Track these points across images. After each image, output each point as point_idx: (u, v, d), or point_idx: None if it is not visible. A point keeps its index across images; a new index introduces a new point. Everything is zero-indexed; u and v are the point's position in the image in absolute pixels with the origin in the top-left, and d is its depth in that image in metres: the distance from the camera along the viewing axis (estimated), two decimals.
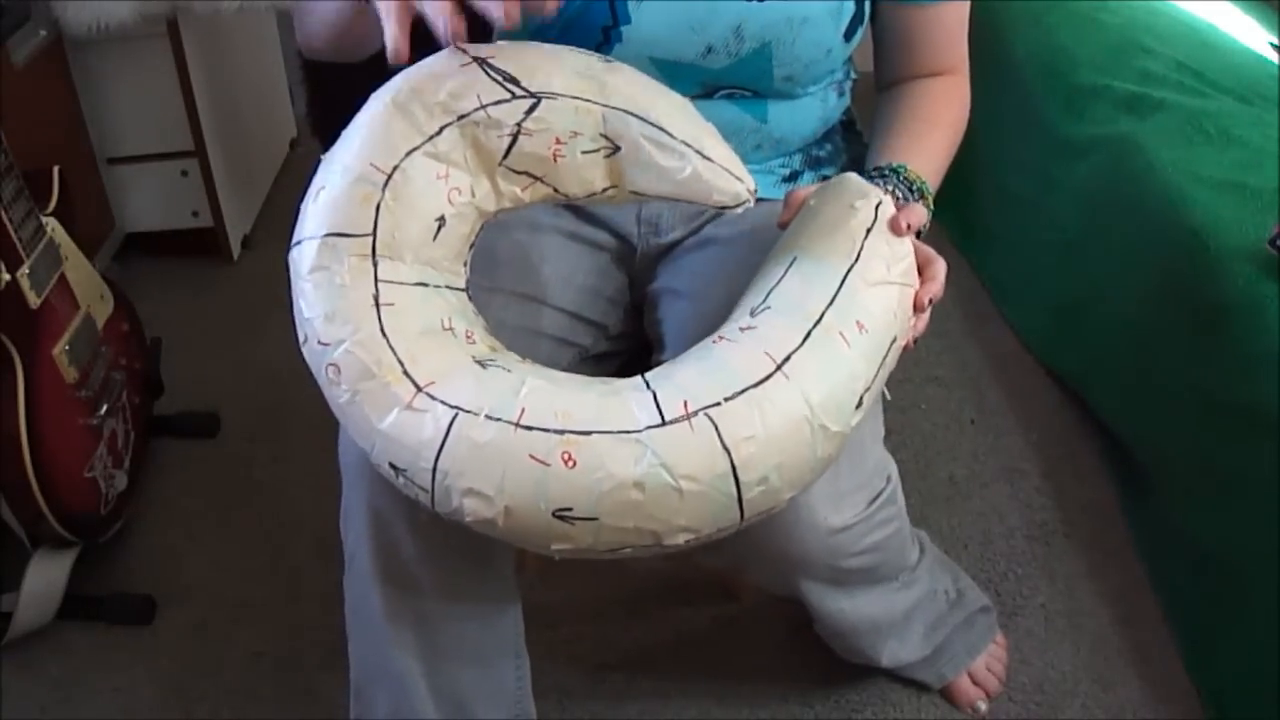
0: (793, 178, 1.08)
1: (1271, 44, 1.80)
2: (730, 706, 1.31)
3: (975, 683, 1.30)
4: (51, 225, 1.36)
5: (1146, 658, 1.36)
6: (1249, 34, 1.83)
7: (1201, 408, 1.35)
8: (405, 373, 0.74)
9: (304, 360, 0.77)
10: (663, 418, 0.73)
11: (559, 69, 0.79)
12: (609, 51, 0.96)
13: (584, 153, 0.80)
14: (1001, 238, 1.94)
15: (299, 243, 0.80)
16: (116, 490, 1.46)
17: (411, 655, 0.98)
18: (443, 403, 0.73)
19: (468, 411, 0.72)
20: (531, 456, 0.71)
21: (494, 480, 0.71)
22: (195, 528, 1.58)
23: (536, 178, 0.81)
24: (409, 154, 0.78)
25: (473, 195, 0.81)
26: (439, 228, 0.79)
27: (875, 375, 0.80)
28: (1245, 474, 1.27)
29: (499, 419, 0.72)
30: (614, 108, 0.79)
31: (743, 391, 0.74)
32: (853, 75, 1.11)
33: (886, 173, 0.96)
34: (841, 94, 1.09)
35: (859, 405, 0.78)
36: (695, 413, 0.73)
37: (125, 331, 1.54)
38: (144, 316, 1.62)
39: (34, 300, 1.30)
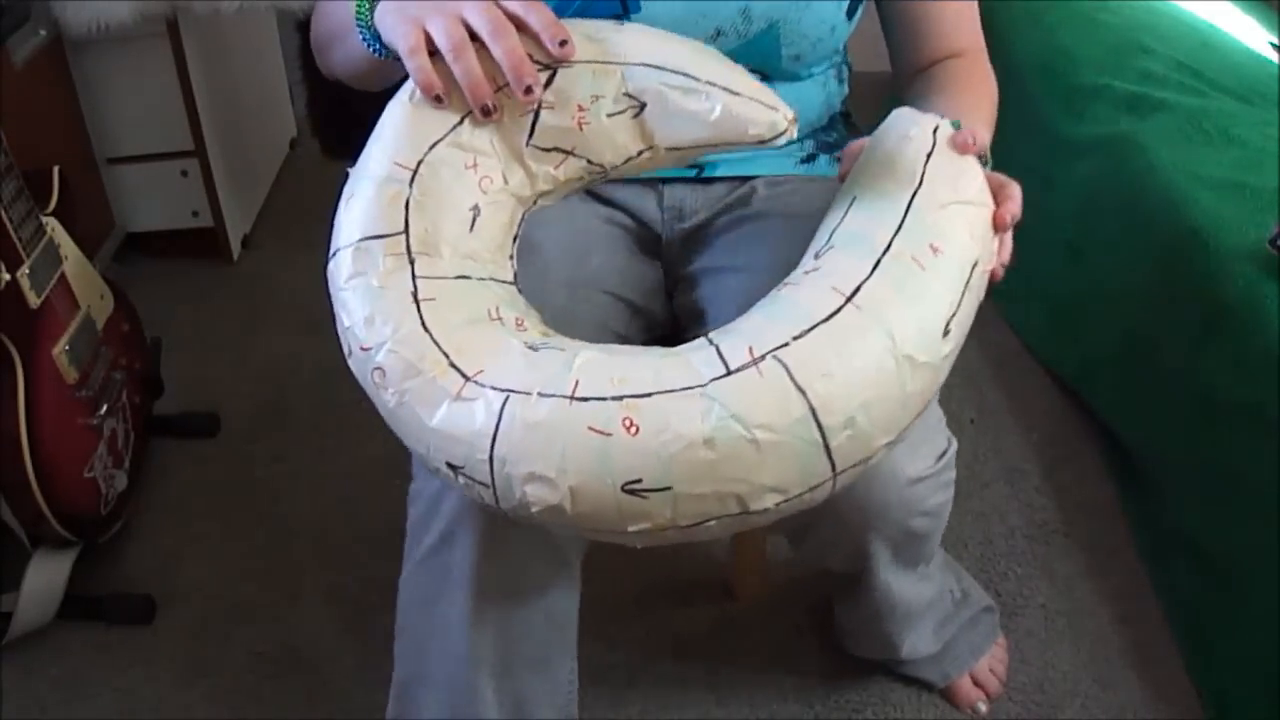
0: (810, 159, 1.09)
1: (1272, 44, 1.80)
2: (730, 706, 1.31)
3: (976, 683, 1.30)
4: (51, 225, 1.36)
5: (1146, 658, 1.36)
6: (1249, 34, 1.83)
7: (1201, 408, 1.35)
8: (451, 364, 0.71)
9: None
10: (728, 368, 0.68)
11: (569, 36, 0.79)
12: None
13: (609, 116, 0.78)
14: None
15: (334, 254, 0.77)
16: (116, 490, 1.46)
17: (487, 659, 0.96)
18: (492, 388, 0.70)
19: (519, 393, 0.69)
20: (591, 429, 0.66)
21: (554, 460, 0.67)
22: (195, 528, 1.58)
23: (567, 152, 0.79)
24: (433, 147, 0.77)
25: (505, 182, 0.79)
26: (474, 218, 0.78)
27: (960, 300, 0.74)
28: (1245, 474, 1.27)
29: (552, 394, 0.68)
30: (631, 63, 0.77)
31: (812, 329, 0.69)
32: (849, 64, 1.12)
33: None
34: (841, 80, 1.10)
35: (946, 333, 0.72)
36: (762, 357, 0.68)
37: (125, 331, 1.54)
38: (144, 316, 1.62)
39: (34, 300, 1.30)
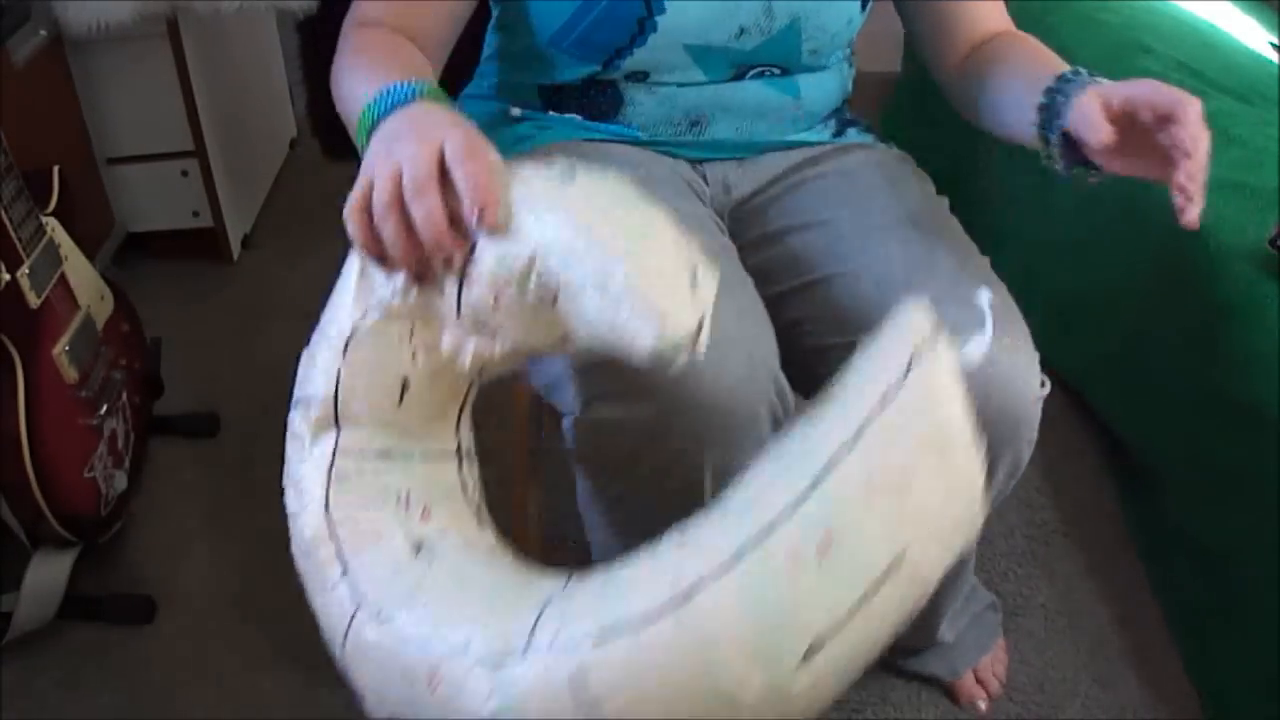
0: (840, 133, 1.12)
1: (1272, 44, 1.80)
2: None
3: (978, 680, 1.30)
4: (51, 225, 1.36)
5: (1146, 658, 1.36)
6: (1249, 34, 1.83)
7: (1201, 408, 1.35)
8: (337, 554, 0.72)
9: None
10: (528, 646, 0.61)
11: (510, 197, 0.69)
12: (642, 42, 0.98)
13: (526, 300, 0.68)
14: (1002, 237, 1.94)
15: (291, 408, 0.78)
16: (116, 490, 1.46)
17: None
18: (351, 593, 0.70)
19: (367, 607, 0.69)
20: (403, 676, 0.66)
21: (378, 690, 0.68)
22: (195, 528, 1.58)
23: (493, 330, 0.71)
24: (367, 313, 0.73)
25: (441, 354, 0.73)
26: (403, 390, 0.74)
27: (847, 618, 0.56)
28: (1245, 474, 1.27)
29: (387, 622, 0.67)
30: (548, 253, 0.67)
31: (622, 628, 0.58)
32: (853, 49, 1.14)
33: (1072, 79, 0.86)
34: (850, 64, 1.13)
35: (807, 658, 0.56)
36: (561, 648, 0.60)
37: (125, 331, 1.54)
38: (144, 316, 1.62)
39: (34, 300, 1.30)
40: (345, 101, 0.87)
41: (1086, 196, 1.66)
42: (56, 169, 1.44)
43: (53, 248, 1.35)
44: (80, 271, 1.42)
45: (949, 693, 1.30)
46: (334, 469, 0.72)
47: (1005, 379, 0.94)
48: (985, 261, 1.02)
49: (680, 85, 1.03)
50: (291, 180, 2.35)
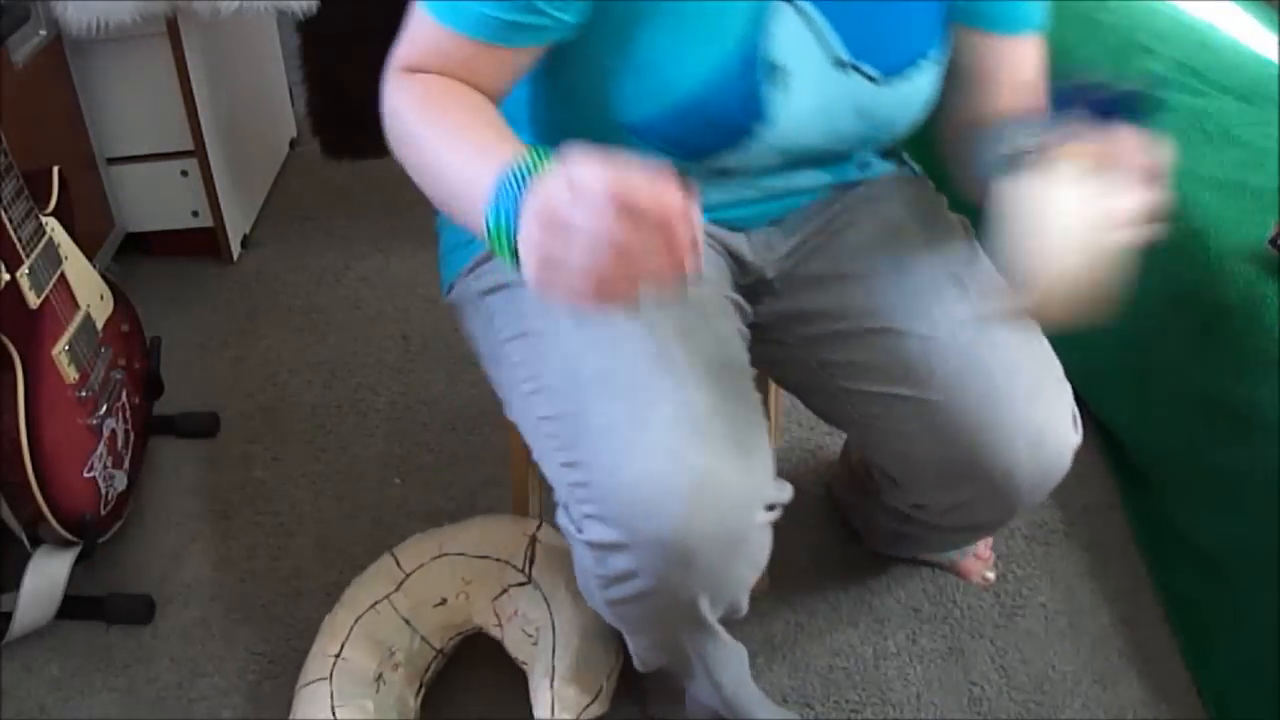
0: (866, 165, 1.13)
1: None
2: None
3: (977, 557, 1.42)
4: (51, 225, 1.36)
5: (1146, 658, 1.36)
6: (1249, 34, 1.83)
7: (1201, 408, 1.35)
8: None
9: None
10: None
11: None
12: (738, 149, 0.95)
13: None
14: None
15: None
16: (116, 490, 1.46)
17: None
18: None
19: None
20: None
21: None
22: (195, 528, 1.58)
23: None
24: None
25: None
26: None
27: None
28: (1245, 474, 1.27)
29: None
30: None
31: None
32: None
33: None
34: None
35: None
36: None
37: (125, 331, 1.54)
38: (144, 316, 1.62)
39: (34, 300, 1.30)
40: (430, 172, 0.83)
41: None
42: (56, 169, 1.44)
43: (52, 248, 1.35)
44: (80, 271, 1.42)
45: (959, 573, 1.43)
46: None
47: (1048, 433, 0.99)
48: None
49: (755, 176, 1.03)
50: (291, 180, 2.35)
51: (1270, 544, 1.20)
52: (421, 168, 0.83)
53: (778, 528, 0.95)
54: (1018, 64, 1.02)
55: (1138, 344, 1.51)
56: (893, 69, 0.95)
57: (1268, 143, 1.49)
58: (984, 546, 1.47)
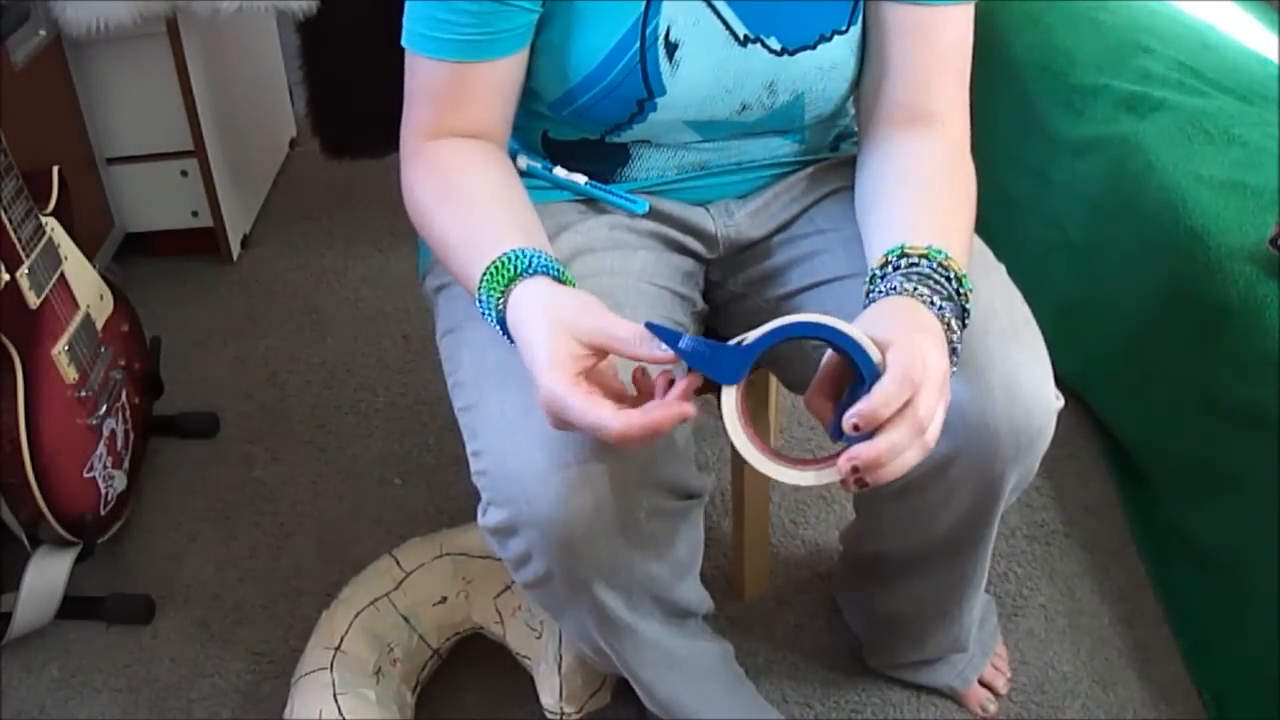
0: (835, 147, 1.13)
1: None
2: None
3: (983, 683, 1.30)
4: (51, 225, 1.36)
5: (1146, 658, 1.36)
6: (1249, 34, 1.83)
7: (1201, 408, 1.35)
8: None
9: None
10: None
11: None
12: (642, 119, 0.99)
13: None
14: (1001, 238, 1.94)
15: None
16: (116, 490, 1.46)
17: None
18: None
19: None
20: None
21: None
22: (195, 528, 1.58)
23: None
24: None
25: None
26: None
27: None
28: (1245, 474, 1.27)
29: None
30: None
31: None
32: None
33: (921, 261, 0.85)
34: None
35: None
36: None
37: (125, 331, 1.54)
38: (144, 316, 1.62)
39: (33, 300, 1.30)
40: (441, 253, 0.94)
41: (1086, 197, 1.66)
42: (56, 169, 1.44)
43: (52, 248, 1.35)
44: (80, 271, 1.42)
45: (959, 701, 1.30)
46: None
47: (1022, 392, 0.96)
48: (1001, 269, 1.03)
49: (685, 145, 1.05)
50: (291, 180, 2.35)
51: (1270, 544, 1.20)
52: (434, 245, 0.94)
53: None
54: (922, 69, 0.97)
55: (1138, 344, 1.51)
56: (798, 42, 0.96)
57: (1268, 143, 1.49)
58: (1001, 661, 1.34)
